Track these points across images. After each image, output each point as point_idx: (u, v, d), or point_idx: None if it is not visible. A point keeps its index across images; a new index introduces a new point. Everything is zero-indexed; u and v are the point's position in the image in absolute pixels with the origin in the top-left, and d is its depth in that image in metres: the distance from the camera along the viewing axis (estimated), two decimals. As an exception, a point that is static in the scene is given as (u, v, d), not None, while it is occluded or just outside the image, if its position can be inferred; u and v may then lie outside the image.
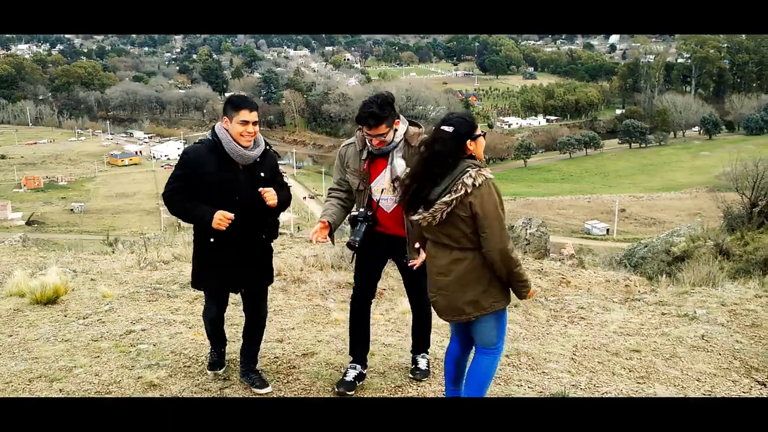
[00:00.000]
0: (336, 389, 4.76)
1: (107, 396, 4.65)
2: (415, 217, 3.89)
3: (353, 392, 4.78)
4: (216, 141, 4.38)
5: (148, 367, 5.16)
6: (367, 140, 4.55)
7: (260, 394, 4.71)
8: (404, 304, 7.08)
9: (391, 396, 4.77)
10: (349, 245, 4.59)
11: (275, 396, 4.73)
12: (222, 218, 4.28)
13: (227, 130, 4.36)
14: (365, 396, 4.74)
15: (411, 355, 5.19)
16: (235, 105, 4.36)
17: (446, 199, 3.74)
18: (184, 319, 6.37)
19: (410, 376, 5.03)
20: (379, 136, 4.42)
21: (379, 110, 4.35)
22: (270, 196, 4.43)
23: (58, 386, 4.76)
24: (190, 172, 4.36)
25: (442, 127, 3.86)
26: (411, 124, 4.64)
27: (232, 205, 4.33)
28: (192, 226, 4.62)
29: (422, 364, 5.09)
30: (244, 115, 4.31)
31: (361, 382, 4.89)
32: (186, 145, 4.66)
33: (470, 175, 3.73)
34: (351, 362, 4.95)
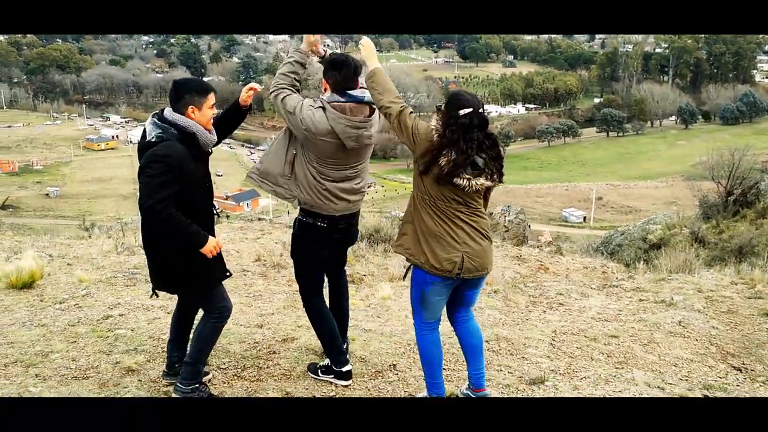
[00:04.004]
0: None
1: (102, 397, 4.60)
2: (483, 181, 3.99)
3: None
4: (187, 134, 4.00)
5: (126, 352, 5.11)
6: None
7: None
8: (385, 289, 7.09)
9: (372, 380, 4.77)
10: None
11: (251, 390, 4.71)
12: (215, 246, 4.05)
13: (192, 118, 4.04)
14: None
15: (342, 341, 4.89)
16: (202, 90, 4.07)
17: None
18: (162, 304, 6.30)
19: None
20: None
21: None
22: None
23: (34, 371, 4.70)
24: (176, 176, 3.88)
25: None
26: None
27: (208, 194, 4.21)
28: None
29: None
30: (212, 98, 4.12)
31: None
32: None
33: None
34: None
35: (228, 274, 4.32)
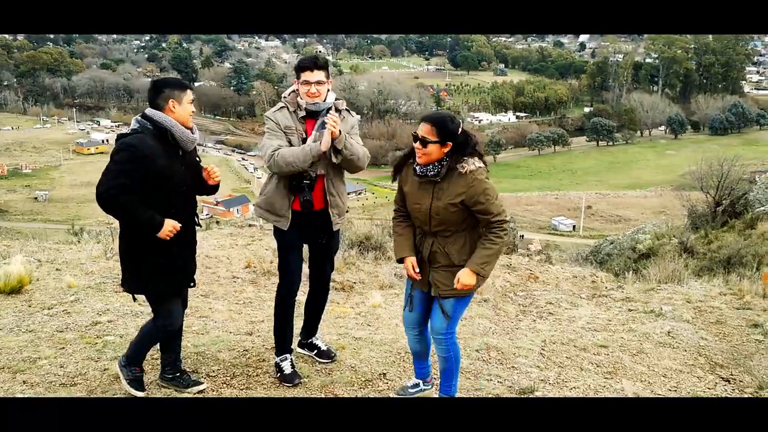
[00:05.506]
0: (285, 383, 4.73)
1: (89, 395, 4.57)
2: None
3: (301, 380, 4.78)
4: (160, 129, 4.03)
5: (114, 359, 5.07)
6: (302, 94, 4.50)
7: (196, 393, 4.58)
8: (375, 297, 7.08)
9: (362, 388, 4.76)
10: (304, 206, 4.51)
11: (232, 392, 4.69)
12: (171, 229, 4.04)
13: (170, 115, 4.07)
14: (336, 390, 4.72)
15: (308, 340, 5.26)
16: (181, 85, 4.16)
17: None
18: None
19: (320, 360, 5.12)
20: (318, 83, 4.46)
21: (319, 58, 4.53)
22: (217, 174, 4.34)
23: (21, 378, 4.67)
24: (139, 167, 3.92)
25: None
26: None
27: (181, 196, 4.18)
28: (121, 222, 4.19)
29: (323, 344, 5.23)
30: (191, 94, 4.18)
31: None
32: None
33: None
34: (281, 355, 4.89)
35: (192, 284, 4.45)
